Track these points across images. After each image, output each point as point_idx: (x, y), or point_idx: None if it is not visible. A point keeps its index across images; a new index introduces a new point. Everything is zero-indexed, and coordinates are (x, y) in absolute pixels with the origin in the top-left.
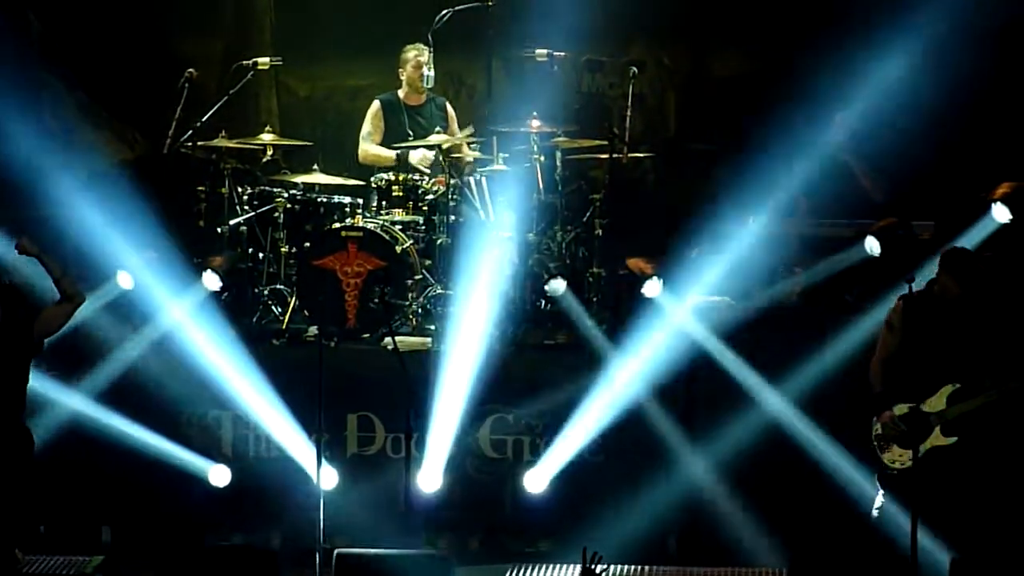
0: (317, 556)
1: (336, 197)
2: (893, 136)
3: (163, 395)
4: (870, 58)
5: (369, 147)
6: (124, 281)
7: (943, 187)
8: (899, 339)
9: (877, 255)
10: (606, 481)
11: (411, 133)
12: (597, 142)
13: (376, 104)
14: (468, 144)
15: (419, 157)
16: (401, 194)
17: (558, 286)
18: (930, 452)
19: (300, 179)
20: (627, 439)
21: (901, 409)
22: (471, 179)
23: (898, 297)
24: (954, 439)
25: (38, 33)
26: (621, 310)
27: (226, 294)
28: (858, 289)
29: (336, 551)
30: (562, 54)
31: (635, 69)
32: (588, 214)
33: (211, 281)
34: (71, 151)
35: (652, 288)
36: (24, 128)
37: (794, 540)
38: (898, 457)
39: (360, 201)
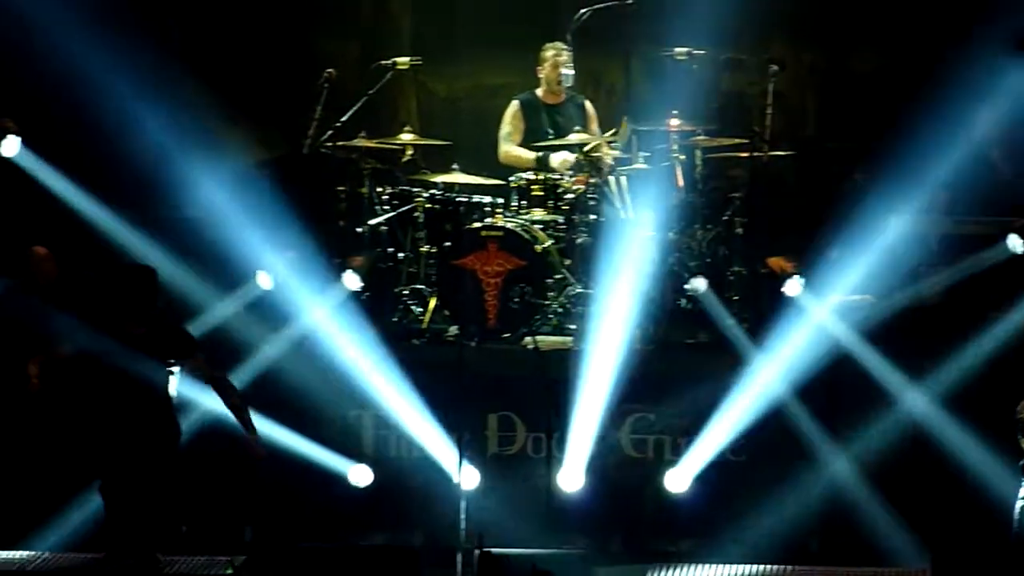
0: (458, 556)
1: (475, 196)
2: None
3: (304, 395)
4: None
5: (510, 148)
6: (264, 281)
7: None
8: None
9: (1020, 252)
10: (748, 481)
11: (550, 132)
12: (737, 140)
13: (515, 104)
14: (608, 143)
15: (559, 160)
16: (541, 193)
17: (699, 285)
18: None
19: (440, 179)
20: (768, 439)
21: None
22: (611, 178)
23: None
24: None
25: (178, 37)
26: (762, 309)
27: (366, 294)
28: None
29: (479, 551)
30: (701, 52)
31: (776, 67)
32: (728, 213)
33: (351, 281)
34: (212, 152)
35: (793, 287)
36: (165, 130)
37: (937, 539)
38: None
39: (500, 200)
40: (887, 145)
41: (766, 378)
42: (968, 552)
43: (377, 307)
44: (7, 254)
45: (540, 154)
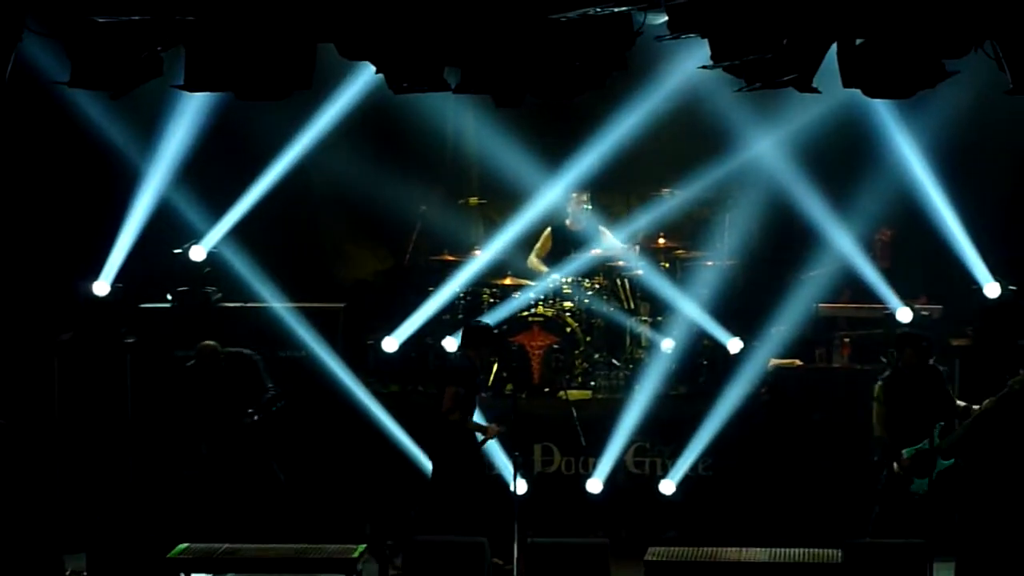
0: (514, 546)
1: (521, 293)
2: None
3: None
4: None
5: (534, 259)
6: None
7: None
8: (885, 408)
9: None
10: (715, 489)
11: (572, 250)
12: (704, 253)
13: (548, 230)
14: (615, 255)
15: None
16: (569, 291)
17: (734, 345)
18: (939, 476)
19: (497, 281)
20: (727, 460)
21: (909, 452)
22: (618, 280)
23: (878, 380)
24: (951, 461)
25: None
26: (718, 369)
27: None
28: None
29: (528, 540)
30: (679, 191)
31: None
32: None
33: (391, 344)
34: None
35: (735, 346)
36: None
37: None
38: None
39: (537, 296)
40: (810, 253)
41: (722, 416)
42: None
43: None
44: None
45: (548, 269)
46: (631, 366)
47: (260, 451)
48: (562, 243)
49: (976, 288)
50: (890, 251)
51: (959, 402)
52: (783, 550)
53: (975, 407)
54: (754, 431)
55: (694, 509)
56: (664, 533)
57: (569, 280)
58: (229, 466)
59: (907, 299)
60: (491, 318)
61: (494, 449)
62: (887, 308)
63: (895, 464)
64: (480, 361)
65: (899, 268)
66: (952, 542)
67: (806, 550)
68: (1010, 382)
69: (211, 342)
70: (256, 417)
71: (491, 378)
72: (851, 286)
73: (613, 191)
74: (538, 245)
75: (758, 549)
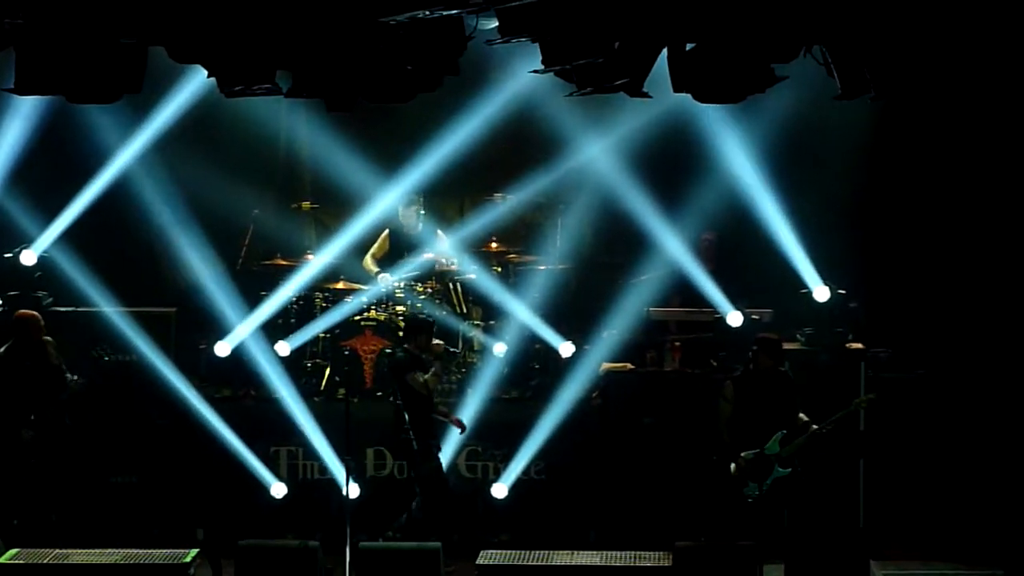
0: (347, 549)
1: (354, 296)
2: None
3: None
4: None
5: (369, 260)
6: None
7: None
8: (732, 407)
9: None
10: (546, 492)
11: (406, 253)
12: (536, 257)
13: (386, 232)
14: (449, 259)
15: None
16: (401, 295)
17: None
18: (774, 482)
19: (330, 285)
20: (558, 464)
21: (748, 455)
22: (450, 284)
23: (726, 379)
24: (788, 470)
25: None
26: (550, 374)
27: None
28: None
29: (360, 544)
30: (512, 197)
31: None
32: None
33: (283, 349)
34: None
35: (567, 350)
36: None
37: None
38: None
39: (369, 300)
40: (641, 257)
41: (554, 420)
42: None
43: (293, 373)
44: None
45: (380, 270)
46: (463, 370)
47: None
48: (398, 246)
49: (806, 292)
50: (714, 254)
51: (802, 415)
52: (614, 553)
53: (815, 426)
54: (586, 435)
55: (526, 513)
56: (496, 536)
57: (402, 284)
58: (49, 456)
59: (737, 303)
60: (323, 322)
61: (328, 453)
62: (717, 312)
63: (732, 465)
64: (420, 351)
65: (728, 272)
66: (782, 545)
67: (637, 553)
68: (854, 402)
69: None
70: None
71: (324, 382)
72: (681, 291)
73: (447, 195)
74: (375, 247)
75: (589, 552)
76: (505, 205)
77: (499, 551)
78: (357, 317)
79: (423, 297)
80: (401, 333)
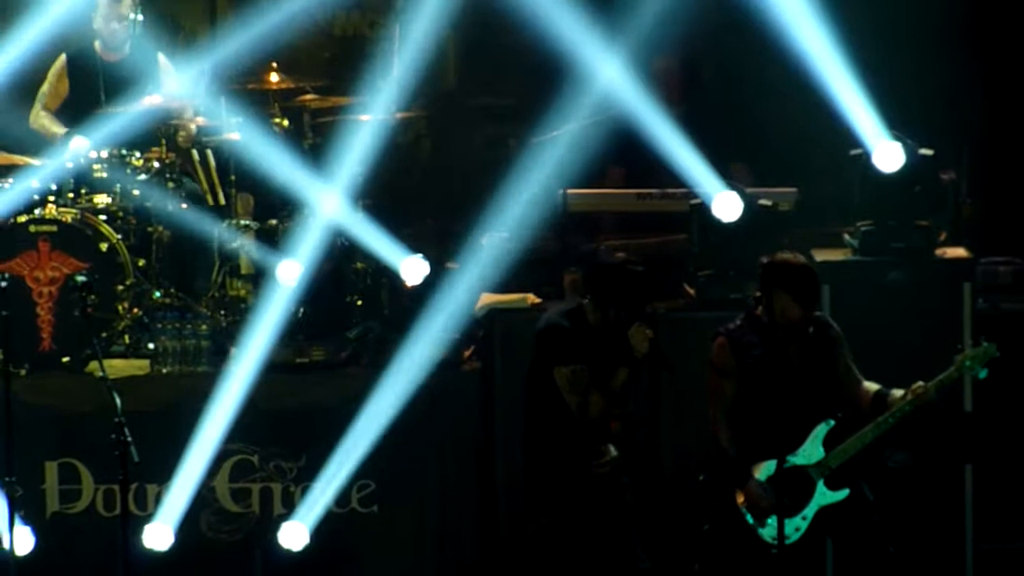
0: None
1: (16, 179)
2: None
3: None
4: None
5: (40, 113)
6: None
7: None
8: (735, 383)
9: None
10: (380, 534)
11: (107, 98)
12: (355, 99)
13: (62, 59)
14: (191, 106)
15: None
16: (105, 175)
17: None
18: (817, 515)
19: None
20: (403, 484)
21: (765, 469)
22: (194, 152)
23: (717, 335)
24: (846, 491)
25: None
26: (391, 314)
27: None
28: None
29: None
30: None
31: None
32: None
33: None
34: None
35: (416, 274)
36: None
37: None
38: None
39: (53, 187)
40: (552, 98)
41: (388, 406)
42: None
43: None
44: None
45: (68, 129)
46: (224, 314)
47: None
48: (88, 84)
49: (859, 154)
50: (679, 86)
51: (868, 385)
52: None
53: (893, 407)
54: (451, 428)
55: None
56: None
57: (106, 154)
58: None
59: (733, 179)
60: None
61: None
62: (693, 194)
63: (738, 491)
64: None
65: (715, 120)
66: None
67: None
68: (958, 359)
69: None
70: None
71: None
72: (625, 156)
73: None
74: (44, 88)
75: None
76: (296, 2)
77: None
78: (23, 219)
79: (145, 177)
80: (573, 277)
